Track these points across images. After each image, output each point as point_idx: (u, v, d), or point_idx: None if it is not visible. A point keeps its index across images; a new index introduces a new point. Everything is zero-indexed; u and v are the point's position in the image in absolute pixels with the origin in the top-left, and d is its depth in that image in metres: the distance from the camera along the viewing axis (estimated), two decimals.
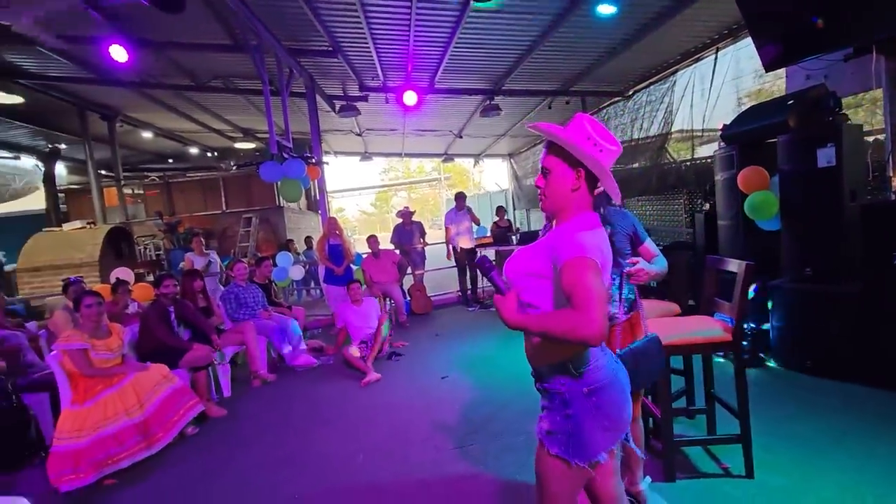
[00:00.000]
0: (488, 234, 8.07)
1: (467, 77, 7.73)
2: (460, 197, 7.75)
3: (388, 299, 6.62)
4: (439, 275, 8.38)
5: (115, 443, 2.97)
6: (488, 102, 8.19)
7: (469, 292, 7.62)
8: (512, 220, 11.07)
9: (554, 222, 1.44)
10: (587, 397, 1.31)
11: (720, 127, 4.85)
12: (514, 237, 8.24)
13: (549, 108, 9.07)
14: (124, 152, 11.68)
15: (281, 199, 12.61)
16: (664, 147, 7.56)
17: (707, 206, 5.65)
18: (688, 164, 7.05)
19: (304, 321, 5.86)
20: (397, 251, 7.32)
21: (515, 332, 1.28)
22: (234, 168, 13.73)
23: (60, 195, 12.83)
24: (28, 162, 12.44)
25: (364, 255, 6.81)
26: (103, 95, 8.76)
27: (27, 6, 4.48)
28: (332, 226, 6.38)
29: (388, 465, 2.80)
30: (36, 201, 13.87)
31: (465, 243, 7.40)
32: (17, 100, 7.72)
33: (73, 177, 13.79)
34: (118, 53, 5.28)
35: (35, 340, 4.18)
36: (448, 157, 15.51)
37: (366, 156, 14.32)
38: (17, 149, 11.42)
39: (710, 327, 2.40)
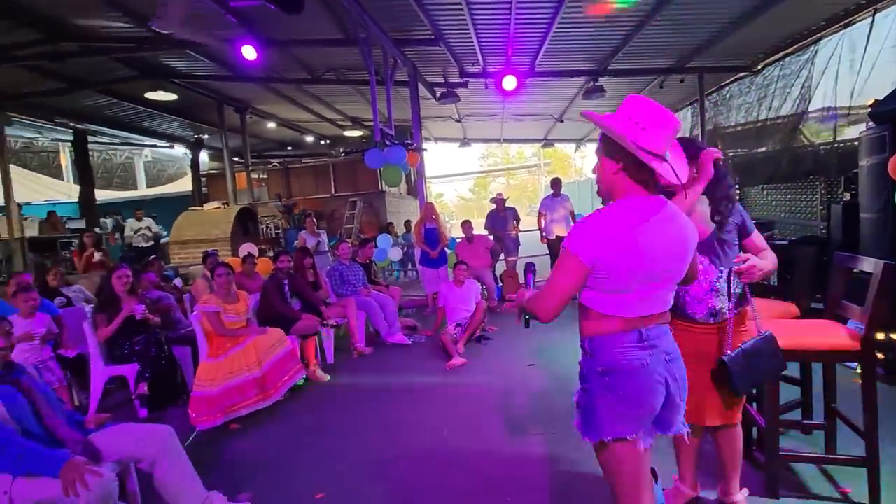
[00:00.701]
0: None
1: (570, 58, 7.45)
2: (556, 183, 7.55)
3: (480, 284, 6.73)
4: (532, 262, 8.29)
5: (238, 393, 3.45)
6: (592, 84, 7.82)
7: None
8: None
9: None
10: (601, 376, 1.35)
11: (870, 104, 4.14)
12: None
13: (661, 87, 8.40)
14: (252, 141, 13.12)
15: (383, 184, 13.30)
16: (798, 128, 6.64)
17: (847, 197, 4.89)
18: (828, 147, 6.12)
19: (400, 300, 6.19)
20: (491, 237, 7.38)
21: None
22: (343, 155, 14.73)
23: (203, 179, 14.84)
24: (179, 150, 14.56)
25: (458, 240, 6.97)
26: (237, 90, 9.91)
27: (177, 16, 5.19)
28: (428, 210, 6.62)
29: (471, 442, 2.91)
30: (185, 184, 16.24)
31: (560, 230, 7.21)
32: (171, 97, 9.05)
33: (212, 163, 15.86)
34: (249, 52, 5.93)
35: (181, 302, 4.95)
36: (548, 142, 15.11)
37: (465, 142, 14.50)
38: (170, 139, 13.41)
39: (832, 333, 2.12)
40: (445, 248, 6.62)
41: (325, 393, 3.99)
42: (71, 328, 3.90)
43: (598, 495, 2.24)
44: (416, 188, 9.98)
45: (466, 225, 6.91)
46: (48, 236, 10.11)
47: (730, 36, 6.29)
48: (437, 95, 8.50)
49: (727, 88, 8.34)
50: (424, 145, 9.75)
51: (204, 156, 14.80)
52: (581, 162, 31.29)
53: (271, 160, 16.00)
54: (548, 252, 7.57)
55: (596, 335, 1.36)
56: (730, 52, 7.10)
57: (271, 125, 12.62)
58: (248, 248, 7.12)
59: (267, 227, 12.29)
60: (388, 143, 6.17)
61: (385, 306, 5.38)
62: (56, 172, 16.39)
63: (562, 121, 11.58)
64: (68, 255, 9.03)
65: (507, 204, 7.72)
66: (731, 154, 8.09)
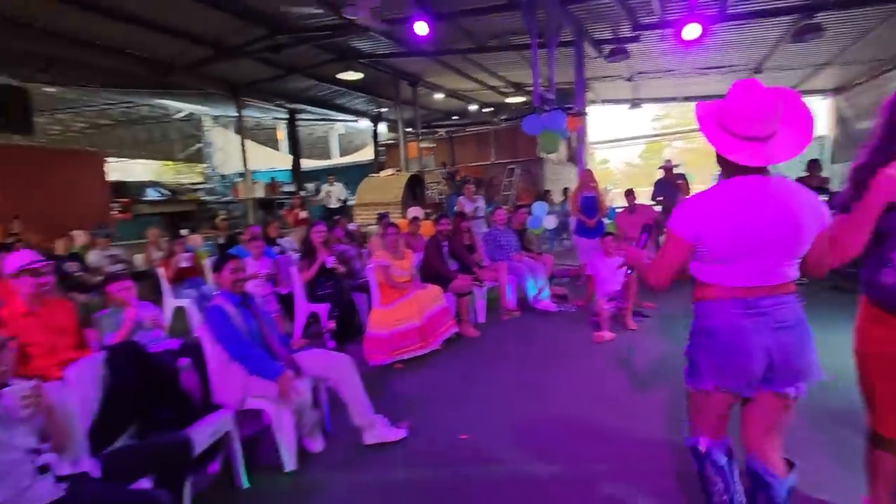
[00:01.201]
0: None
1: None
2: None
3: None
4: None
5: (402, 339, 3.97)
6: (804, 23, 6.40)
7: None
8: (830, 175, 8.54)
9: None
10: (701, 335, 1.55)
11: None
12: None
13: None
14: (422, 112, 14.08)
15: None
16: None
17: None
18: None
19: (552, 269, 6.20)
20: (658, 207, 6.80)
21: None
22: (503, 122, 14.84)
23: (381, 149, 16.57)
24: (363, 124, 16.44)
25: (618, 210, 6.60)
26: (410, 65, 10.70)
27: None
28: (586, 177, 6.38)
29: (614, 418, 2.88)
30: (366, 154, 18.34)
31: None
32: (358, 76, 10.24)
33: (389, 134, 17.55)
34: (421, 28, 6.36)
35: (360, 256, 5.79)
36: None
37: (635, 103, 13.29)
38: (356, 114, 15.20)
39: None
40: (604, 219, 6.34)
41: (474, 348, 4.33)
42: (283, 271, 4.92)
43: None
44: (576, 154, 9.62)
45: (629, 194, 6.47)
46: (269, 197, 12.64)
47: None
48: (605, 53, 7.94)
49: None
50: (588, 109, 9.25)
51: (382, 127, 16.46)
52: None
53: (438, 129, 16.97)
54: None
55: (700, 301, 1.55)
56: None
57: (439, 96, 13.35)
58: (414, 211, 7.84)
59: (432, 193, 13.25)
60: (546, 108, 6.08)
61: (536, 273, 5.47)
62: (275, 146, 20.08)
63: (760, 71, 9.75)
64: (282, 213, 11.15)
65: (684, 171, 6.97)
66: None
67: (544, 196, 11.09)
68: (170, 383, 2.53)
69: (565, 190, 11.08)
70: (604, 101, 14.23)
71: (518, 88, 12.78)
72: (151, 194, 13.39)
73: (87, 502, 1.57)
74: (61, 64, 8.58)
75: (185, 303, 4.90)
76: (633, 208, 6.35)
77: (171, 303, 5.00)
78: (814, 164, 6.57)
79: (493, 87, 12.57)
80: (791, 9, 6.53)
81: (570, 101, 7.84)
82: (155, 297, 4.97)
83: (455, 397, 3.33)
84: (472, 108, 15.06)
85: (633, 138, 30.91)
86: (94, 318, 2.94)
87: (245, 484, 2.42)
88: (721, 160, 1.48)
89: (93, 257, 5.75)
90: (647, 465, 2.38)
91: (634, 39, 7.59)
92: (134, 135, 17.95)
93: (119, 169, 16.45)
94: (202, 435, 2.21)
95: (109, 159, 12.95)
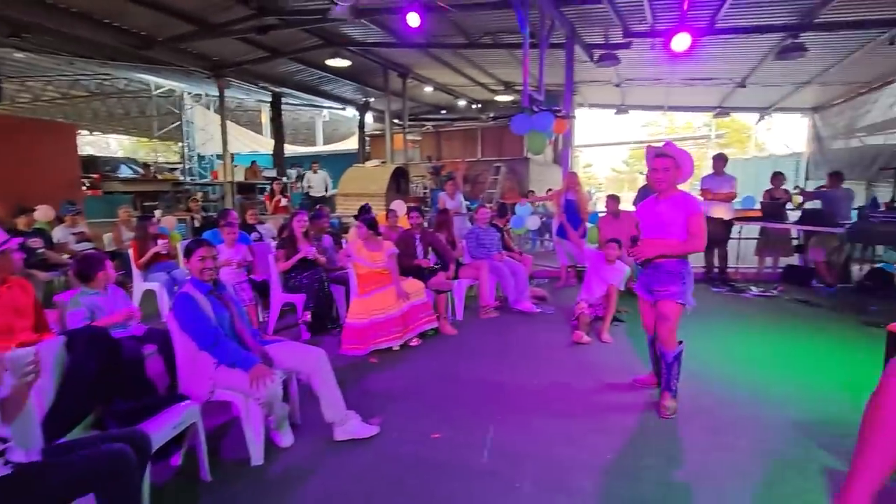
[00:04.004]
0: (756, 205, 6.74)
1: (763, 11, 6.31)
2: (719, 159, 6.59)
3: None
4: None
5: (380, 328, 3.95)
6: (790, 42, 6.54)
7: (717, 270, 6.66)
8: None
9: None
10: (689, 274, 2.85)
11: None
12: (789, 213, 6.67)
13: (892, 43, 6.64)
14: (410, 104, 13.92)
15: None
16: None
17: None
18: None
19: (531, 269, 6.22)
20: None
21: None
22: (491, 120, 14.82)
23: (367, 139, 16.35)
24: (350, 112, 16.18)
25: (601, 214, 6.63)
26: (400, 57, 10.57)
27: None
28: (570, 181, 6.41)
29: (585, 418, 2.93)
30: (351, 143, 18.08)
31: (721, 213, 6.38)
32: (346, 63, 10.04)
33: (375, 124, 17.31)
34: (413, 20, 6.26)
35: (339, 244, 5.69)
36: (723, 110, 13.18)
37: (622, 108, 13.43)
38: (343, 101, 14.94)
39: None
40: (585, 223, 6.38)
41: (451, 345, 4.30)
42: (259, 259, 4.80)
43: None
44: (561, 156, 9.68)
45: (612, 200, 6.44)
46: (250, 182, 12.33)
47: None
48: (595, 58, 7.98)
49: None
50: (577, 112, 9.30)
51: (369, 118, 16.24)
52: (765, 135, 26.50)
53: (426, 123, 16.84)
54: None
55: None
56: None
57: (428, 89, 13.22)
58: (395, 204, 7.76)
59: (416, 186, 13.14)
60: (535, 108, 6.07)
61: (516, 273, 5.47)
62: (258, 129, 19.58)
63: (744, 86, 9.96)
64: (262, 199, 10.90)
65: None
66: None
67: (528, 196, 11.10)
68: (133, 371, 2.43)
69: (549, 191, 11.12)
70: (591, 105, 14.34)
71: (507, 87, 12.77)
72: (125, 171, 12.94)
73: (33, 482, 1.48)
74: (34, 30, 8.17)
75: (154, 286, 4.75)
76: (616, 213, 6.36)
77: (140, 286, 4.84)
78: (779, 177, 6.89)
79: (482, 84, 12.53)
80: (777, 27, 6.67)
81: (558, 103, 7.85)
82: (123, 278, 4.80)
83: (428, 393, 3.31)
84: (461, 103, 14.98)
85: (619, 143, 31.19)
86: (55, 300, 2.81)
87: (209, 477, 2.35)
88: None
89: (59, 234, 5.52)
90: (623, 469, 2.40)
91: (625, 46, 7.62)
92: (109, 108, 17.30)
93: (92, 143, 15.82)
94: (165, 427, 2.13)
95: (81, 132, 12.41)
